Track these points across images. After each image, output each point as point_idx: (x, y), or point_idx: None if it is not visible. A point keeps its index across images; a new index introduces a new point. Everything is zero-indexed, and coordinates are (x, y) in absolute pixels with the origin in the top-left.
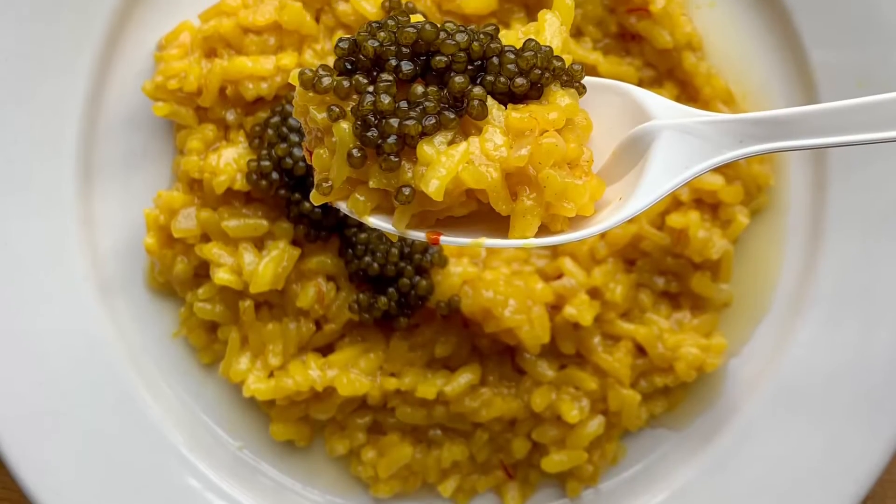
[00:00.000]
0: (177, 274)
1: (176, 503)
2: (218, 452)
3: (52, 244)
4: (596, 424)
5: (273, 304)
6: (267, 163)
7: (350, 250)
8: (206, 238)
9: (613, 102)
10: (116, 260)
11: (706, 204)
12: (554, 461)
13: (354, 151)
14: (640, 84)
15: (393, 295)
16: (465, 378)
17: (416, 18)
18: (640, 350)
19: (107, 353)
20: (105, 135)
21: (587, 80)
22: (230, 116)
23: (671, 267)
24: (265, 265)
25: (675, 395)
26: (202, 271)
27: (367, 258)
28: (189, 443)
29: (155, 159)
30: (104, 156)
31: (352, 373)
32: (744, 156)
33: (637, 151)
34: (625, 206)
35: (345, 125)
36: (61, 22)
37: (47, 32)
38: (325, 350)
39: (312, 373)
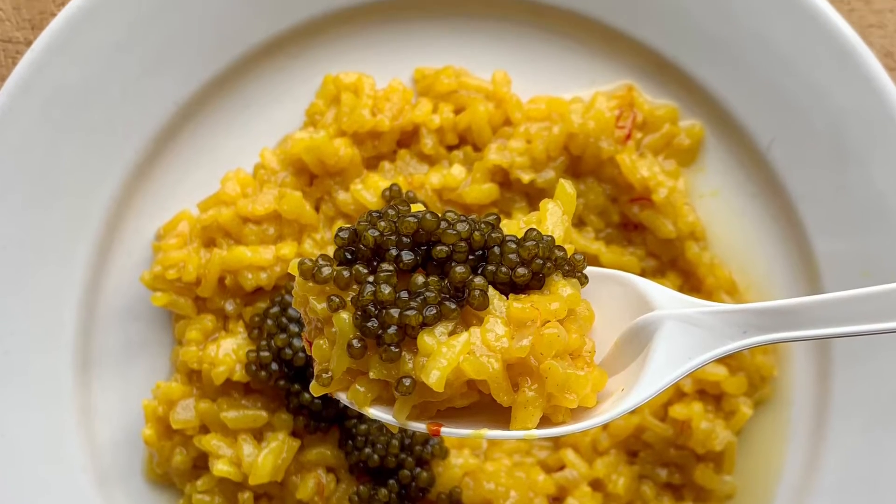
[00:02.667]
0: (176, 465)
1: None
2: None
3: (50, 435)
4: None
5: (273, 495)
6: (266, 353)
7: (350, 441)
8: (204, 429)
9: (615, 292)
10: (115, 451)
11: (709, 395)
12: None
13: (355, 342)
14: (642, 274)
15: (394, 487)
16: None
17: (416, 208)
18: None
19: None
20: (103, 325)
21: (589, 269)
22: (229, 307)
23: (674, 458)
24: (264, 457)
25: None
26: (201, 462)
27: (368, 450)
28: None
29: (153, 350)
30: (102, 346)
31: None
32: (748, 346)
33: (640, 342)
34: (627, 397)
35: (345, 315)
36: (59, 210)
37: (45, 221)
38: None
39: None
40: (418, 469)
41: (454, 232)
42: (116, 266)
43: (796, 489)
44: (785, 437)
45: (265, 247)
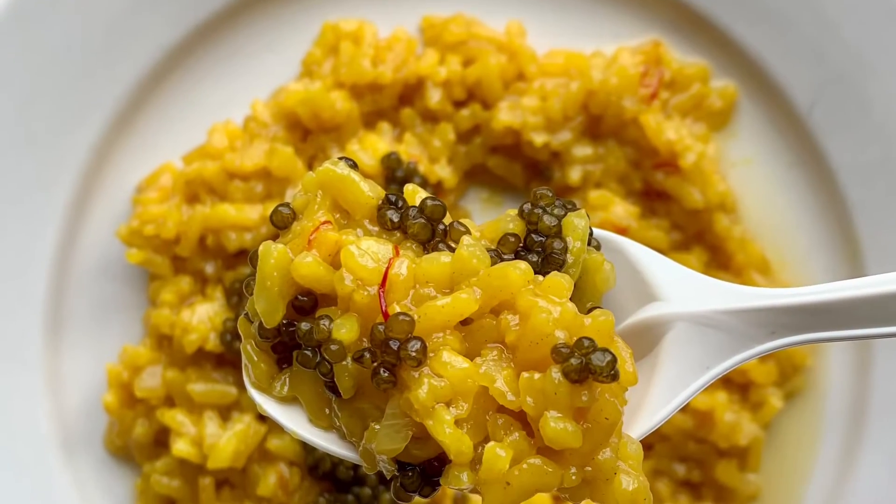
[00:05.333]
0: (136, 438)
1: None
2: None
3: (15, 399)
4: None
5: (234, 484)
6: None
7: None
8: (169, 401)
9: (620, 264)
10: (82, 418)
11: (735, 384)
12: None
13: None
14: (666, 249)
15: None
16: None
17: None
18: None
19: None
20: (76, 283)
21: (598, 233)
22: (209, 269)
23: (693, 453)
24: (227, 440)
25: None
26: (163, 437)
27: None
28: None
29: (128, 312)
30: (74, 306)
31: None
32: (776, 349)
33: (646, 343)
34: (634, 420)
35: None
36: (33, 160)
37: (18, 171)
38: None
39: None
40: (381, 487)
41: None
42: (93, 221)
43: (828, 492)
44: (817, 434)
45: (251, 205)
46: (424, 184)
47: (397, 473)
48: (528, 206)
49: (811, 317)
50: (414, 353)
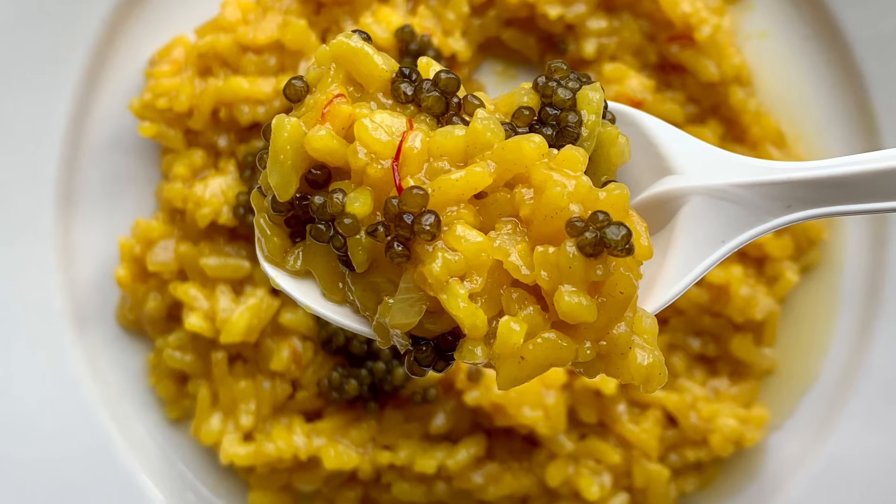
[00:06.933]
0: (148, 312)
1: None
2: None
3: (28, 273)
4: (619, 502)
5: (247, 358)
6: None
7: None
8: (182, 276)
9: (636, 140)
10: (93, 292)
11: (751, 258)
12: None
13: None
14: (681, 122)
15: (365, 378)
16: (468, 450)
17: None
18: (671, 420)
19: (81, 395)
20: (89, 157)
21: (613, 106)
22: (222, 142)
23: (708, 327)
24: (240, 314)
25: (708, 472)
26: (175, 312)
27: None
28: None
29: (140, 185)
30: (86, 180)
31: (340, 444)
32: (792, 223)
33: (661, 217)
34: (649, 294)
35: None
36: (44, 33)
37: (29, 44)
38: (313, 415)
39: (297, 439)
40: (395, 361)
41: None
42: (105, 94)
43: (843, 366)
44: (833, 308)
45: (264, 78)
46: (438, 57)
47: (411, 348)
48: (542, 80)
49: (827, 190)
50: (428, 227)
